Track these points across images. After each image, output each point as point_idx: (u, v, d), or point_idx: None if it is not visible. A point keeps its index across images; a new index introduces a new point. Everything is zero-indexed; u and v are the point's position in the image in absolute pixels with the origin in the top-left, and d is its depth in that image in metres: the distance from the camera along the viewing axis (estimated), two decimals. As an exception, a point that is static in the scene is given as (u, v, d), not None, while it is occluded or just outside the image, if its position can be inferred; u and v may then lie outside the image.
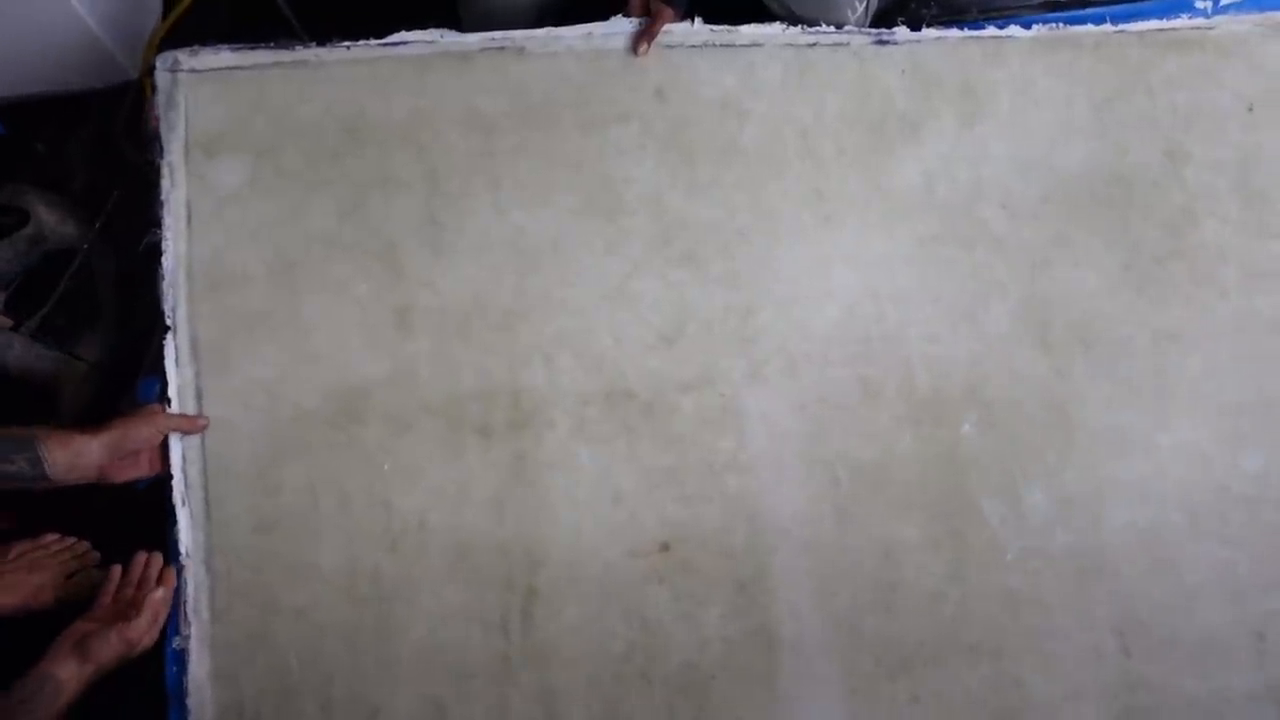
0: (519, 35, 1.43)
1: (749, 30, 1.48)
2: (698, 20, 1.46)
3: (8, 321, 1.54)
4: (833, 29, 1.49)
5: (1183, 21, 1.56)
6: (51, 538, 1.35)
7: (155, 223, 1.32)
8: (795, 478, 1.35)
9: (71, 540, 1.36)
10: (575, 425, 1.34)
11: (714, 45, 1.47)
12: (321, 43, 1.39)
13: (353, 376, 1.33)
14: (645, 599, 1.31)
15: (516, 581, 1.31)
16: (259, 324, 1.33)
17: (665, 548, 1.33)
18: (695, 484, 1.35)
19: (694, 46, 1.47)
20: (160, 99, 1.34)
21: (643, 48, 1.44)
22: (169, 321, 1.31)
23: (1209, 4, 1.58)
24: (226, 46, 1.37)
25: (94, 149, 1.67)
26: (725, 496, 1.35)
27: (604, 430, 1.35)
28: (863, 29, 1.52)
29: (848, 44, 1.49)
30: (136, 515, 1.31)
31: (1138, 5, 1.60)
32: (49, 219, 1.61)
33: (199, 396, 1.31)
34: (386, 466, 1.32)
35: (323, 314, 1.34)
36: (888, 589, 1.34)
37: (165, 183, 1.33)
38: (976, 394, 1.39)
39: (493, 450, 1.33)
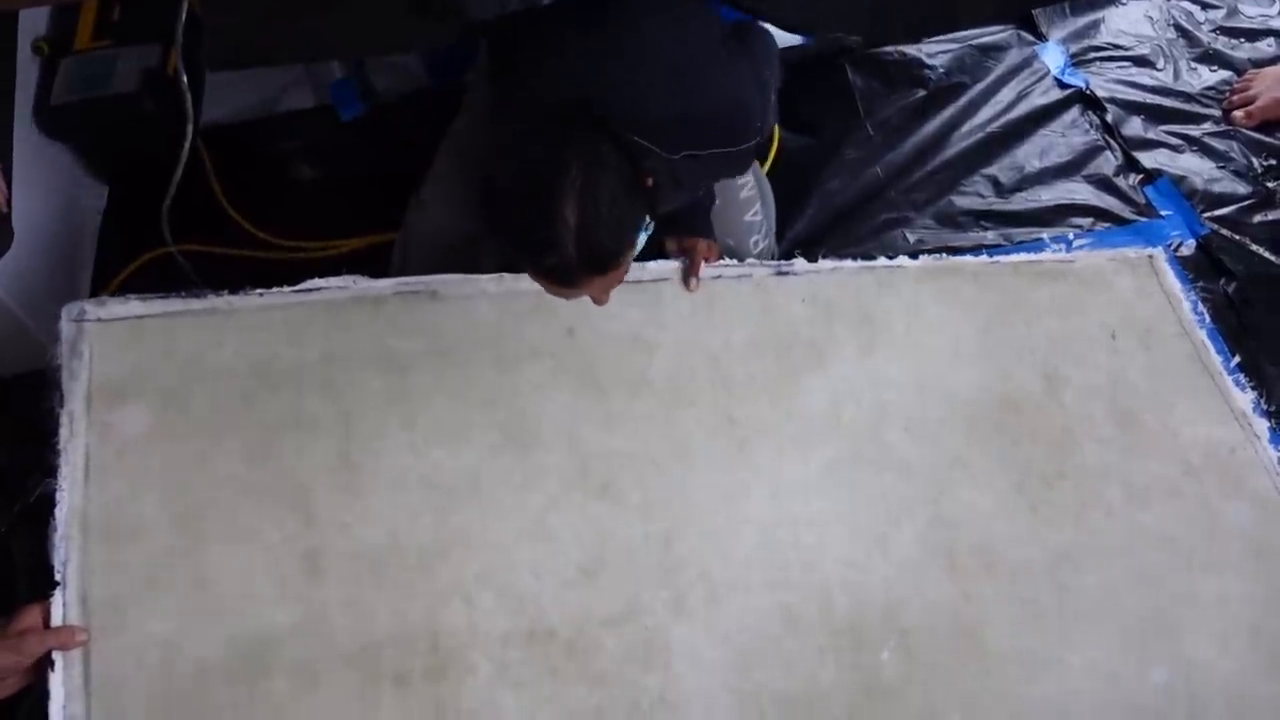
0: (432, 279, 1.45)
1: (655, 266, 1.53)
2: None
3: None
4: (735, 262, 1.56)
5: (1047, 255, 1.71)
6: None
7: (50, 473, 1.24)
8: (723, 714, 1.32)
9: None
10: (497, 669, 1.29)
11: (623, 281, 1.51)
12: (234, 290, 1.37)
13: (259, 626, 1.25)
14: None
15: (437, 846, 1.23)
16: (158, 575, 1.25)
17: (594, 797, 1.28)
18: (622, 725, 1.31)
19: (602, 284, 1.51)
20: (64, 348, 1.29)
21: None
22: (58, 577, 1.22)
23: (1062, 248, 1.76)
24: (135, 296, 1.33)
25: (16, 433, 1.59)
26: (653, 736, 1.31)
27: (527, 673, 1.30)
28: (763, 261, 1.59)
29: (750, 275, 1.56)
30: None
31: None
32: (-36, 503, 1.51)
33: (85, 658, 1.20)
34: (295, 725, 1.24)
35: (228, 562, 1.27)
36: (819, 827, 1.31)
37: (64, 432, 1.25)
38: (894, 620, 1.40)
39: (410, 700, 1.26)
